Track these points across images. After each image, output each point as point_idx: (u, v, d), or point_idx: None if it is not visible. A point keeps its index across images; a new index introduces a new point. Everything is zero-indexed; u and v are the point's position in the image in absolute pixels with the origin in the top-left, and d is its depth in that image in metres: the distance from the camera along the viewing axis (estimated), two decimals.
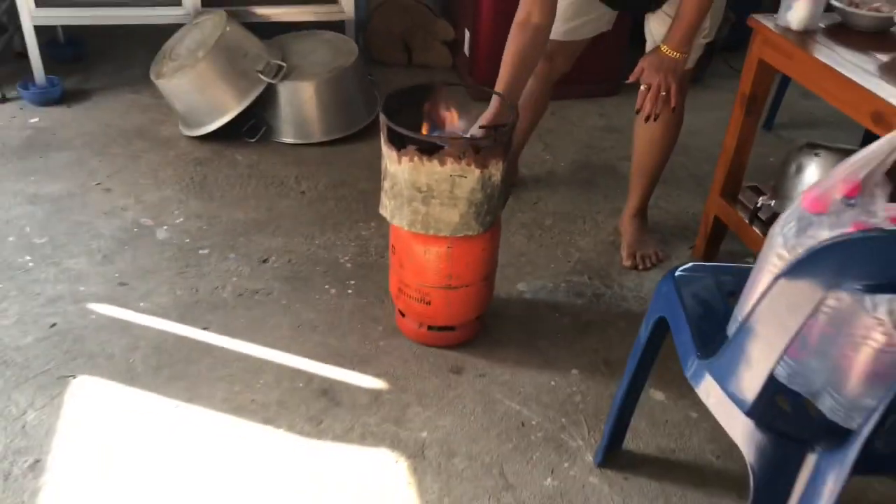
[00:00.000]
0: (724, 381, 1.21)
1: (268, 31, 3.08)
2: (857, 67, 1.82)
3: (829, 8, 2.04)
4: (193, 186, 2.67)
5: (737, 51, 3.32)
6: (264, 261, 2.35)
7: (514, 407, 1.91)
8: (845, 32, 2.01)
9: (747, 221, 2.18)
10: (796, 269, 0.97)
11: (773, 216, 2.05)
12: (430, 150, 1.76)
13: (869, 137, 1.88)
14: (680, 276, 1.46)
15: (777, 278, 1.01)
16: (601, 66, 3.30)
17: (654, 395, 1.96)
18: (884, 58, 1.88)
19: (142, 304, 2.16)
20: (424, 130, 1.87)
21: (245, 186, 2.69)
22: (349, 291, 2.25)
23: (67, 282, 2.22)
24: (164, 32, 3.05)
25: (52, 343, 2.01)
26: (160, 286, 2.23)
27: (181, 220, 2.50)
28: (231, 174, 2.75)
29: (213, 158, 2.83)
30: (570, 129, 3.14)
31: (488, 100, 1.98)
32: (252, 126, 2.92)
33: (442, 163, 1.74)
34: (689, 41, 2.03)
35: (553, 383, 1.98)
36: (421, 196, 1.79)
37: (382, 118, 1.78)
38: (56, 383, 1.90)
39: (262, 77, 2.84)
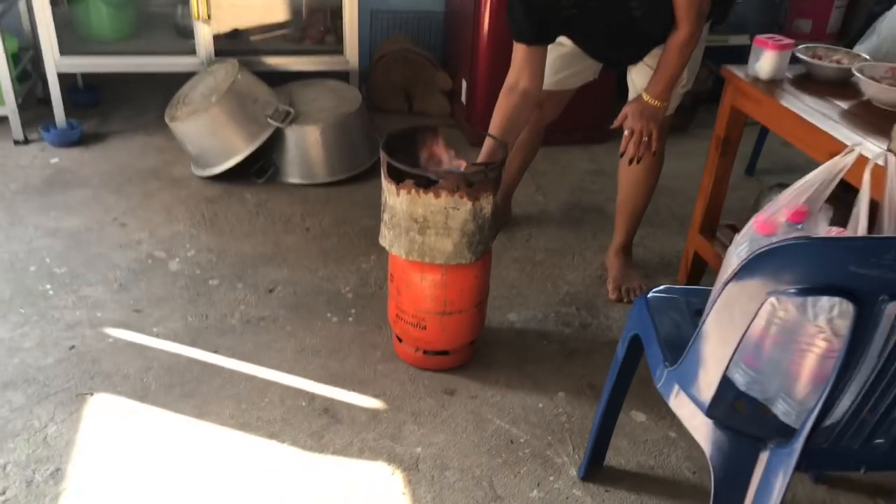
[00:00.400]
0: (686, 385, 1.34)
1: (277, 78, 3.28)
2: (818, 113, 1.99)
3: (796, 60, 2.23)
4: (204, 223, 2.83)
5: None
6: (270, 291, 2.49)
7: (504, 426, 2.04)
8: (810, 82, 2.19)
9: (723, 257, 2.32)
10: (740, 274, 1.11)
11: None
12: (426, 183, 1.92)
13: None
14: (652, 297, 1.60)
15: (725, 284, 1.15)
16: (591, 115, 3.49)
17: (636, 416, 2.08)
18: (843, 105, 2.05)
19: (155, 329, 2.30)
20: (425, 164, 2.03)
21: (253, 223, 2.85)
22: (350, 319, 2.39)
23: (85, 308, 2.36)
24: (179, 80, 3.25)
25: (72, 363, 2.15)
26: (173, 313, 2.37)
27: (192, 253, 2.66)
28: (240, 211, 2.91)
29: (224, 197, 2.99)
30: (562, 172, 3.32)
31: (482, 143, 2.15)
32: (260, 167, 3.09)
33: (437, 195, 1.90)
34: (669, 91, 2.21)
35: (541, 405, 2.11)
36: (417, 226, 1.95)
37: (383, 154, 1.95)
38: (75, 400, 2.03)
39: (270, 121, 3.02)
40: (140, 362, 2.17)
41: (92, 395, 2.05)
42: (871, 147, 1.74)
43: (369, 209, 2.92)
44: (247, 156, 3.02)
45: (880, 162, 1.26)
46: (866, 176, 1.18)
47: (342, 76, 3.44)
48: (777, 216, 1.28)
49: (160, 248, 2.68)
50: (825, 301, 1.23)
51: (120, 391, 2.07)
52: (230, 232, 2.79)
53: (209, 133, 2.99)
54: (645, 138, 2.23)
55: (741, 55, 3.73)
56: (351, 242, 2.76)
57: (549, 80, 2.45)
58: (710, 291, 1.51)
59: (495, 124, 2.19)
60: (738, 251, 1.33)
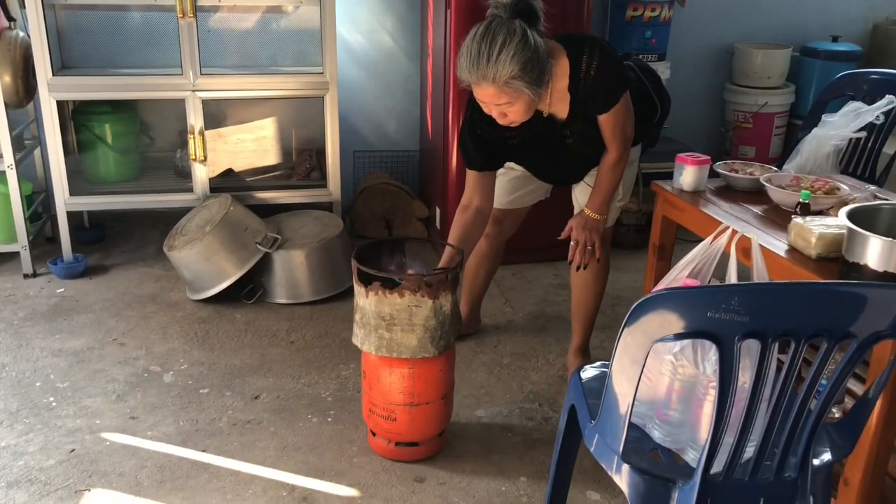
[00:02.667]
0: (604, 435, 1.56)
1: (267, 210, 3.61)
2: (732, 216, 2.29)
3: (716, 174, 2.55)
4: (197, 340, 3.07)
5: None
6: (256, 397, 2.70)
7: None
8: (728, 192, 2.50)
9: None
10: (629, 321, 1.35)
11: None
12: (391, 285, 2.19)
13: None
14: (585, 371, 1.84)
15: (620, 332, 1.39)
16: (556, 235, 3.81)
17: (591, 495, 2.26)
18: (756, 209, 2.36)
19: (149, 433, 2.49)
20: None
21: (242, 339, 3.09)
22: (329, 420, 2.59)
23: (85, 417, 2.57)
24: (177, 215, 3.57)
25: (71, 465, 2.33)
26: (166, 419, 2.57)
27: (185, 366, 2.88)
28: (230, 329, 3.16)
29: (215, 317, 3.25)
30: (528, 286, 3.60)
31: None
32: (250, 289, 3.37)
33: (401, 295, 2.17)
34: (607, 205, 2.53)
35: (504, 488, 2.29)
36: (385, 324, 2.20)
37: (354, 262, 2.23)
38: (73, 496, 2.21)
39: (259, 247, 3.32)
40: (134, 461, 2.36)
41: (89, 490, 2.23)
42: (739, 226, 2.04)
43: (349, 323, 3.12)
44: (237, 279, 3.30)
45: (748, 234, 1.55)
46: (733, 246, 1.45)
47: (326, 207, 3.77)
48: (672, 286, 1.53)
49: (156, 363, 2.90)
50: (712, 354, 1.48)
51: (115, 487, 2.25)
52: (220, 347, 3.02)
53: (203, 259, 3.28)
54: (589, 247, 2.53)
55: None
56: (332, 353, 2.99)
57: (504, 201, 2.78)
58: None
59: (453, 236, 2.49)
60: None
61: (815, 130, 2.94)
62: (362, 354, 2.35)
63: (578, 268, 2.56)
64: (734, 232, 1.57)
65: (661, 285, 1.56)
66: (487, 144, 2.47)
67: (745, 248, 1.73)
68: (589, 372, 1.84)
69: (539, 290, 3.57)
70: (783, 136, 4.53)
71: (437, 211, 3.90)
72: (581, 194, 2.68)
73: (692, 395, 1.53)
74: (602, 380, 1.79)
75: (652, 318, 1.31)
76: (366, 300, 2.21)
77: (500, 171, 2.65)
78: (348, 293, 3.43)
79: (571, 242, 2.54)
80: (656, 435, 1.62)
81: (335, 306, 3.35)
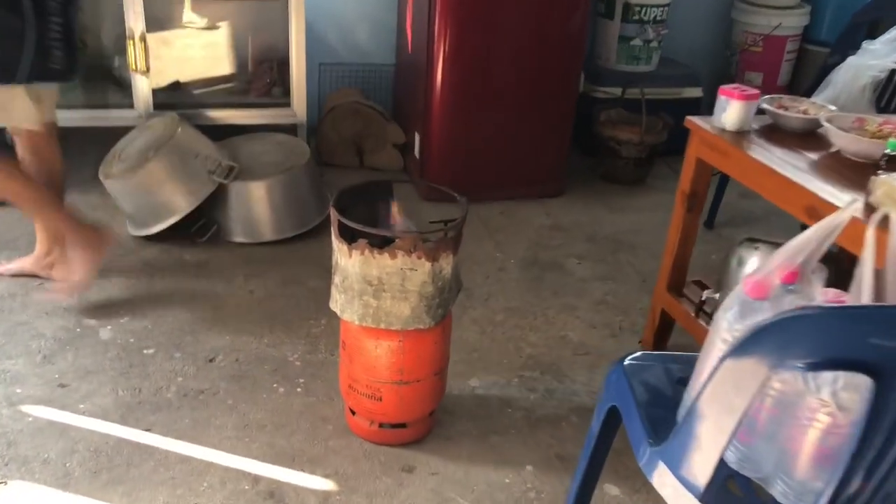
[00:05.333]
0: (675, 466, 1.20)
1: (221, 132, 3.12)
2: (789, 165, 1.91)
3: (761, 111, 2.16)
4: (140, 286, 2.64)
5: (676, 154, 3.47)
6: (210, 360, 2.30)
7: None
8: (777, 133, 2.12)
9: (693, 314, 2.22)
10: (740, 349, 0.99)
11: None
12: (381, 243, 1.78)
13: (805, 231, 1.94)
14: (629, 364, 1.47)
15: (722, 359, 1.02)
16: (546, 169, 3.43)
17: (609, 489, 1.93)
18: (813, 156, 1.98)
19: (81, 406, 2.08)
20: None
21: (193, 285, 2.66)
22: (298, 390, 2.20)
23: (3, 384, 2.14)
24: (116, 134, 3.07)
25: None
26: (102, 387, 2.16)
27: (126, 319, 2.45)
28: (179, 274, 2.72)
29: (162, 258, 2.80)
30: (519, 228, 3.21)
31: (438, 198, 1.99)
32: (202, 226, 2.91)
33: (393, 256, 1.76)
34: None
35: (507, 480, 1.95)
36: (372, 289, 1.80)
37: (333, 213, 1.80)
38: None
39: (213, 178, 2.85)
40: (63, 444, 1.95)
41: (5, 483, 1.83)
42: (794, 174, 1.67)
43: (319, 269, 2.75)
44: (187, 214, 2.84)
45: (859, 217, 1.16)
46: (870, 236, 1.06)
47: (289, 130, 3.30)
48: (771, 278, 1.16)
49: (91, 314, 2.46)
50: (827, 372, 1.11)
51: (38, 478, 1.85)
52: (168, 296, 2.59)
53: (146, 190, 2.81)
54: None
55: (695, 108, 3.72)
56: (299, 305, 2.58)
57: None
58: (690, 357, 1.39)
59: None
60: (728, 316, 1.20)
61: (850, 59, 2.57)
62: (341, 322, 1.95)
63: None
64: (868, 210, 1.18)
65: (758, 275, 1.18)
66: None
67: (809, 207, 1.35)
68: (633, 366, 1.47)
69: (531, 231, 3.19)
70: (793, 62, 4.13)
71: (417, 137, 3.44)
72: None
73: (790, 417, 1.18)
74: (651, 378, 1.43)
75: (781, 342, 0.93)
76: (348, 261, 1.80)
77: None
78: (316, 232, 3.00)
79: None
80: (730, 457, 1.27)
81: (301, 247, 2.92)
